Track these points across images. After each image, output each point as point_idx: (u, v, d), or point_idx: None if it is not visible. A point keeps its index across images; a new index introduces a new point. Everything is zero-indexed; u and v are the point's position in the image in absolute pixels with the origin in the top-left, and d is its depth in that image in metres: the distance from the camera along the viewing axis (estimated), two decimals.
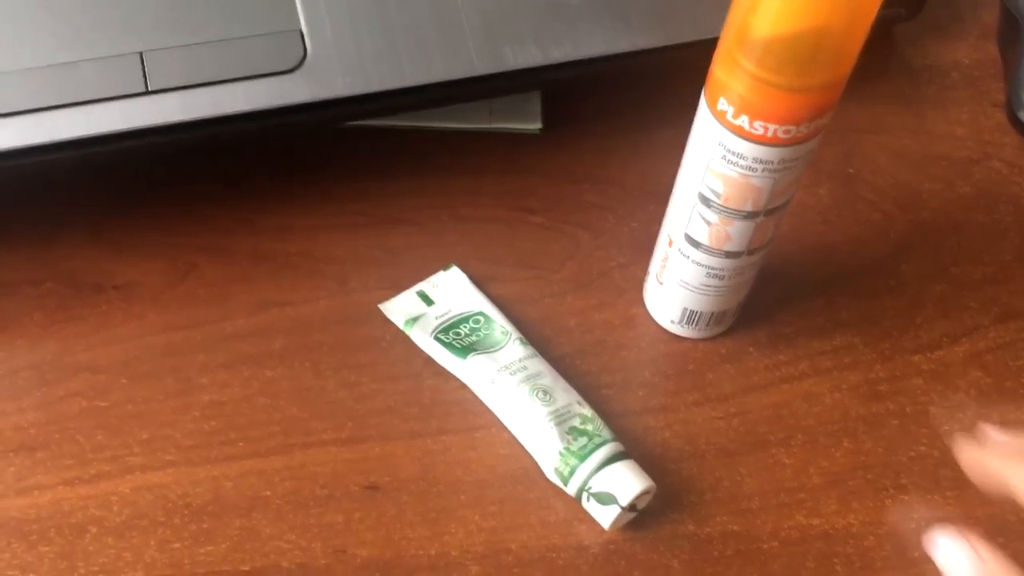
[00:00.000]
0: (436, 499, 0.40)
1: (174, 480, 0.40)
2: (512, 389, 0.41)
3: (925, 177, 0.50)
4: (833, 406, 0.43)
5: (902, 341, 0.45)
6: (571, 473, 0.39)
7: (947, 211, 0.49)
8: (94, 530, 0.39)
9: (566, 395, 0.41)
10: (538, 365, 0.42)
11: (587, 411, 0.41)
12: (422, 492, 0.40)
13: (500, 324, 0.43)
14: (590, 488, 0.38)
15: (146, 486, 0.40)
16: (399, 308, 0.44)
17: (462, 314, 0.44)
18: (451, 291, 0.45)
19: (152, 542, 0.39)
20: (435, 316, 0.44)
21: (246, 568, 0.38)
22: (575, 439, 0.39)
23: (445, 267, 0.45)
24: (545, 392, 0.41)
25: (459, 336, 0.43)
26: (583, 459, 0.39)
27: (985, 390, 0.44)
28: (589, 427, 0.40)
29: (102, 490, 0.40)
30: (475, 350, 0.42)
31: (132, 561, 0.38)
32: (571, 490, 0.39)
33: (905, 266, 0.47)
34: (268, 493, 0.40)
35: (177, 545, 0.39)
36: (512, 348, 0.42)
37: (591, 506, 0.39)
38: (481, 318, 0.43)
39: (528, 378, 0.41)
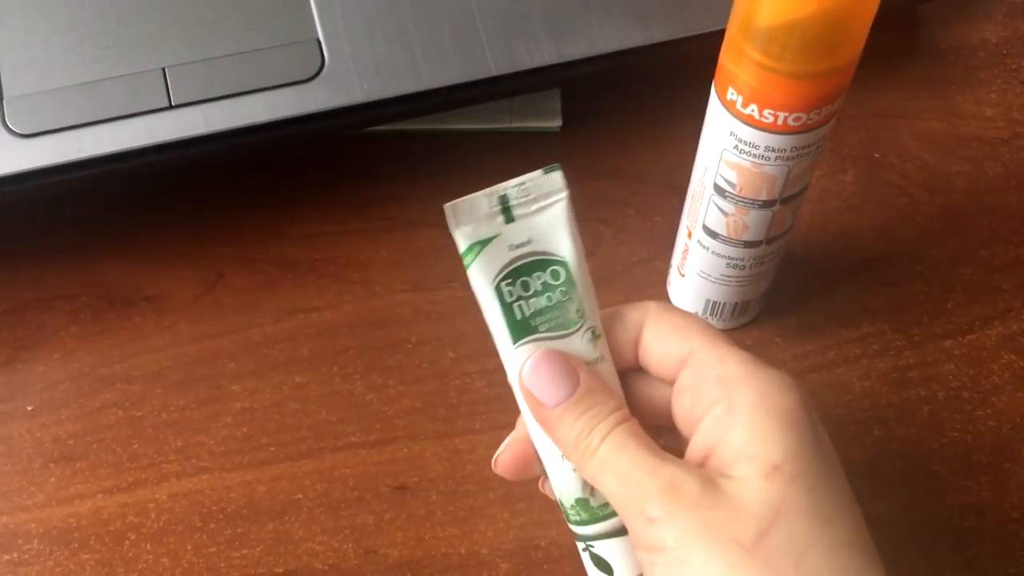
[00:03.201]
0: (465, 498, 0.41)
1: (208, 486, 0.41)
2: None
3: (953, 159, 0.50)
4: (863, 394, 0.43)
5: (932, 326, 0.45)
6: (580, 524, 0.33)
7: (977, 193, 0.49)
8: (133, 537, 0.40)
9: None
10: None
11: None
12: (451, 491, 0.41)
13: (580, 294, 0.32)
14: (592, 547, 0.33)
15: (182, 492, 0.41)
16: (471, 214, 0.32)
17: (543, 255, 0.32)
18: (542, 211, 0.32)
19: (189, 547, 0.40)
20: (510, 244, 0.32)
21: (280, 570, 0.39)
22: (597, 494, 0.32)
23: (547, 168, 0.32)
24: None
25: (525, 293, 0.32)
26: (597, 520, 0.32)
27: (1019, 373, 0.43)
28: None
29: (139, 497, 0.41)
30: (533, 331, 0.32)
31: (170, 566, 0.39)
32: (576, 536, 0.33)
33: (934, 250, 0.47)
34: (300, 496, 0.41)
35: (213, 549, 0.40)
36: (578, 342, 0.32)
37: (586, 560, 0.33)
38: (562, 272, 0.32)
39: None
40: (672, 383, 0.32)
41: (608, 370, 0.33)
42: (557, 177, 0.32)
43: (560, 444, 0.32)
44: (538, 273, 0.32)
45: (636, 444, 0.30)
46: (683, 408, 0.31)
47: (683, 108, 0.46)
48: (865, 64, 0.34)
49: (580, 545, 0.33)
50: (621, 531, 0.32)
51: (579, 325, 0.32)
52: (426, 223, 0.47)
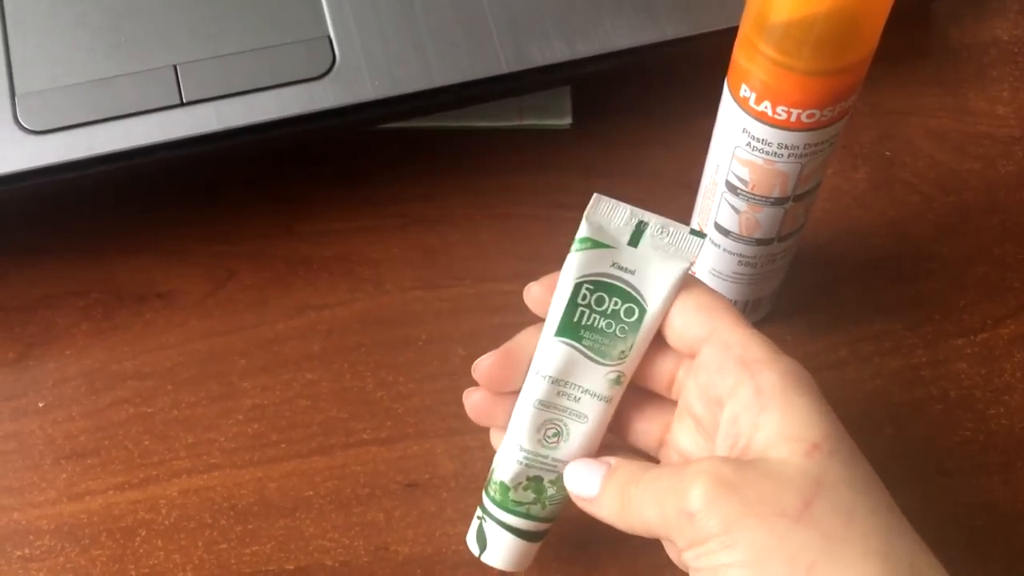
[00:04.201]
0: (475, 495, 0.40)
1: (219, 482, 0.41)
2: (530, 406, 0.34)
3: (965, 157, 0.49)
4: (875, 392, 0.43)
5: (945, 325, 0.45)
6: (489, 499, 0.36)
7: (988, 191, 0.48)
8: (144, 533, 0.40)
9: (573, 451, 0.34)
10: (593, 408, 0.34)
11: None
12: (461, 488, 0.41)
13: (635, 343, 0.33)
14: (484, 521, 0.36)
15: (192, 489, 0.41)
16: (608, 215, 0.34)
17: (633, 291, 0.33)
18: (663, 260, 0.33)
19: (200, 543, 0.40)
20: (615, 262, 0.33)
21: (291, 567, 0.39)
22: (523, 490, 0.35)
23: (695, 231, 0.34)
24: (557, 434, 0.34)
25: (596, 307, 0.33)
26: (501, 507, 0.35)
27: None
28: (549, 492, 0.35)
29: (150, 494, 0.41)
30: (577, 338, 0.33)
31: (181, 563, 0.39)
32: (481, 503, 0.36)
33: (946, 248, 0.47)
34: (311, 493, 0.41)
35: (224, 546, 0.40)
36: (600, 375, 0.34)
37: (473, 526, 0.36)
38: (636, 315, 0.33)
39: (563, 410, 0.34)
40: (686, 353, 0.34)
41: (608, 412, 0.35)
42: (697, 243, 0.34)
43: (610, 518, 0.33)
44: (617, 299, 0.34)
45: (663, 468, 0.32)
46: (699, 383, 0.33)
47: (694, 106, 0.46)
48: (876, 62, 0.34)
49: (478, 512, 0.36)
50: (511, 529, 0.35)
51: (613, 364, 0.34)
52: (437, 220, 0.47)
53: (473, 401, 0.36)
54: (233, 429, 0.42)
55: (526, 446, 0.34)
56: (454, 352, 0.44)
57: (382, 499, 0.41)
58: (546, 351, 0.34)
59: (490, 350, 0.43)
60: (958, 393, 0.43)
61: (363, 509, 0.40)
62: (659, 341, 0.35)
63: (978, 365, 0.43)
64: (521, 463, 0.35)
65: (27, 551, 0.39)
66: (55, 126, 0.41)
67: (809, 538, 0.28)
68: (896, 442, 0.42)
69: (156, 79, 0.42)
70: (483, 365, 0.35)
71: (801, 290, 0.45)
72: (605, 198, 0.34)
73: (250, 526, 0.40)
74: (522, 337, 0.35)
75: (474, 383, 0.38)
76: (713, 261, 0.41)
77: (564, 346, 0.34)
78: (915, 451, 0.41)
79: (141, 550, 0.40)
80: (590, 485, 0.33)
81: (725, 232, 0.39)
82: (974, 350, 0.44)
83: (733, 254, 0.40)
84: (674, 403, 0.35)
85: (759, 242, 0.39)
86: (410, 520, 0.40)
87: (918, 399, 0.43)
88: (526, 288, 0.35)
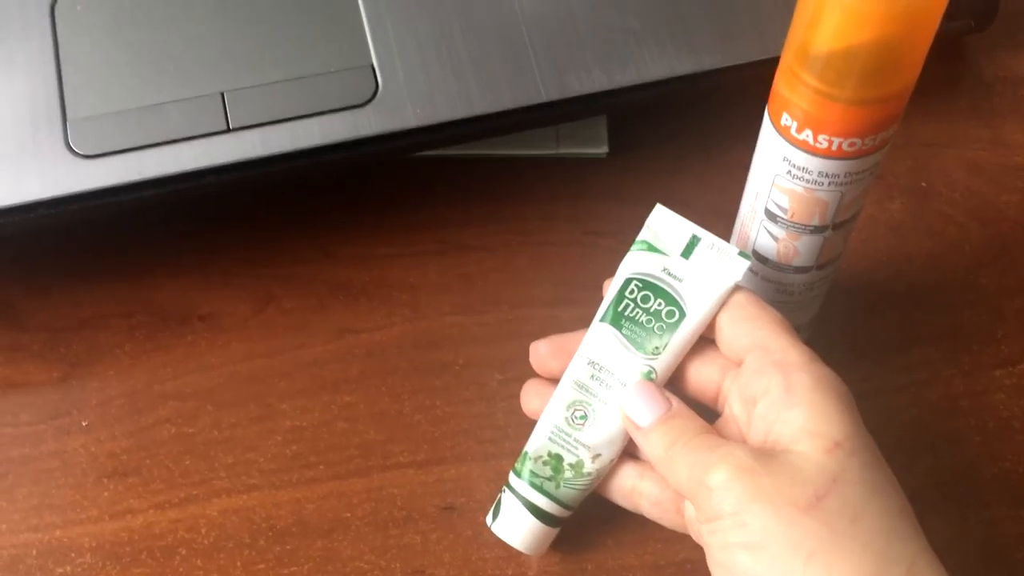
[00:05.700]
0: None
1: (258, 503, 0.41)
2: (567, 384, 0.37)
3: (1002, 189, 0.50)
4: (912, 422, 0.43)
5: (982, 356, 0.44)
6: (513, 471, 0.38)
7: None
8: (183, 552, 0.40)
9: (596, 438, 0.37)
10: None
11: (591, 466, 0.37)
12: None
13: (669, 343, 0.36)
14: (503, 493, 0.38)
15: (232, 509, 0.41)
16: (666, 225, 0.38)
17: (677, 295, 0.36)
18: (710, 275, 0.36)
19: (238, 563, 0.40)
20: (665, 267, 0.37)
21: None
22: (542, 463, 0.37)
23: (742, 252, 0.37)
24: (584, 417, 0.37)
25: (641, 303, 0.37)
26: (527, 480, 0.37)
27: None
28: (567, 474, 0.37)
29: (190, 513, 0.41)
30: (618, 326, 0.37)
31: None
32: (509, 477, 0.38)
33: (984, 279, 0.47)
34: (348, 515, 0.41)
35: (262, 566, 0.40)
36: (632, 366, 0.36)
37: (501, 497, 0.38)
38: (676, 318, 0.36)
39: (594, 394, 0.37)
40: (734, 362, 0.36)
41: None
42: (743, 264, 0.36)
43: (652, 458, 0.35)
44: (661, 301, 0.37)
45: (707, 438, 0.34)
46: (739, 385, 0.35)
47: (730, 135, 0.47)
48: (911, 94, 0.34)
49: (503, 487, 0.39)
50: (524, 501, 0.37)
51: (647, 357, 0.36)
52: (474, 247, 0.48)
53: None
54: (272, 450, 0.43)
55: (556, 422, 0.37)
56: (491, 377, 0.44)
57: (419, 522, 0.41)
58: (590, 335, 0.37)
59: (526, 374, 0.44)
60: (996, 424, 0.43)
61: (400, 532, 0.41)
62: (704, 355, 0.37)
63: (1017, 396, 0.43)
64: (547, 437, 0.37)
65: (68, 568, 0.40)
66: (105, 151, 0.42)
67: (813, 529, 0.30)
68: (934, 472, 0.42)
69: (204, 106, 0.43)
70: (539, 349, 0.39)
71: (838, 319, 0.45)
72: (665, 209, 0.38)
73: (288, 547, 0.40)
74: (579, 333, 0.38)
75: (513, 407, 0.39)
76: (751, 288, 0.41)
77: (605, 331, 0.37)
78: (953, 482, 0.41)
79: (181, 569, 0.40)
80: (644, 417, 0.35)
81: (763, 260, 0.39)
82: (1012, 381, 0.44)
83: (771, 282, 0.40)
84: (720, 415, 0.37)
85: (797, 270, 0.39)
86: (446, 543, 0.40)
87: (956, 430, 0.43)
88: (605, 283, 0.39)
